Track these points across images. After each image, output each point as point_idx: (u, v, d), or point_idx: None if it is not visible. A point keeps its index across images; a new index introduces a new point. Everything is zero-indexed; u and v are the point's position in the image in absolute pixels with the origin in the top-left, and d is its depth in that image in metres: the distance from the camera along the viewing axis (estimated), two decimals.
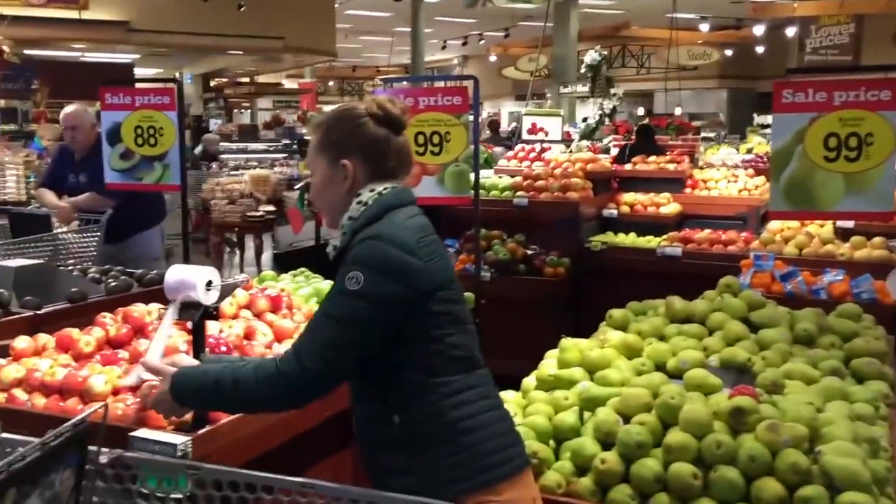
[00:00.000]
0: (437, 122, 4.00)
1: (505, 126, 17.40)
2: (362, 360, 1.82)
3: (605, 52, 14.03)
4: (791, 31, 15.15)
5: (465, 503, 1.76)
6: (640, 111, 24.13)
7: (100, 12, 14.11)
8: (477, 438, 1.79)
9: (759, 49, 19.71)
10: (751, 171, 7.55)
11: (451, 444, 1.78)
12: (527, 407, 2.42)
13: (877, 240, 5.23)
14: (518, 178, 6.51)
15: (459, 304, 1.89)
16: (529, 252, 5.93)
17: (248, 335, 2.91)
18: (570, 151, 7.65)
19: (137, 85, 5.35)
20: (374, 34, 25.21)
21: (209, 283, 2.21)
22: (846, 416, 2.21)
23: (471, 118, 4.12)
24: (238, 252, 10.51)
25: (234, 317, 3.05)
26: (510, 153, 7.96)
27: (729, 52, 21.60)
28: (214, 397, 1.91)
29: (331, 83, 34.38)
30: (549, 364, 2.68)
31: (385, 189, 1.90)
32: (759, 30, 17.89)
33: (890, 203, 3.45)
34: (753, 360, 2.62)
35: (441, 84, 4.60)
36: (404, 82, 4.14)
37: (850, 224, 5.64)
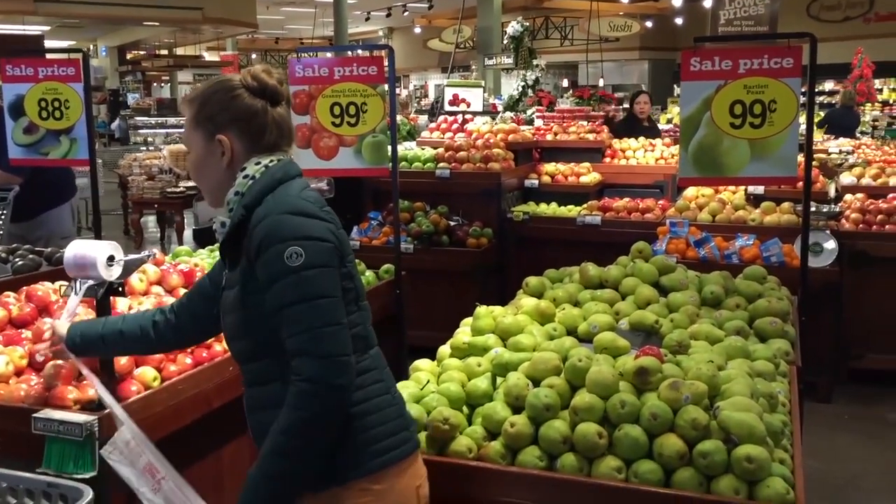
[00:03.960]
0: (352, 93, 3.96)
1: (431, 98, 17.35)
2: (262, 339, 1.76)
3: (528, 24, 14.07)
4: (708, 2, 15.45)
5: (344, 492, 1.72)
6: (565, 83, 24.35)
7: None
8: (367, 423, 1.74)
9: (678, 21, 20.04)
10: (668, 140, 7.71)
11: (341, 430, 1.71)
12: (441, 374, 2.44)
13: (785, 205, 5.42)
14: (440, 150, 6.51)
15: (356, 280, 1.84)
16: (452, 223, 5.95)
17: None
18: (494, 123, 7.67)
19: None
20: (296, 5, 24.74)
21: (111, 259, 2.15)
22: (746, 373, 2.30)
23: (387, 88, 4.09)
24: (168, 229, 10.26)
25: (145, 293, 2.99)
26: (433, 124, 7.94)
27: (649, 24, 21.90)
28: (288, 472, 1.68)
29: (253, 55, 33.66)
30: (463, 332, 2.70)
31: (271, 161, 1.81)
32: (676, 2, 18.19)
33: (793, 168, 3.57)
34: (661, 323, 2.69)
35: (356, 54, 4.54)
36: (319, 52, 4.07)
37: (760, 190, 5.83)
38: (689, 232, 4.98)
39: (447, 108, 8.50)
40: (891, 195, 5.64)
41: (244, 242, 1.76)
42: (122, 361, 2.44)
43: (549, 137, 7.54)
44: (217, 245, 4.13)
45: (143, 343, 2.07)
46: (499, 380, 2.35)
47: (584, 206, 6.29)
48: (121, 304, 2.76)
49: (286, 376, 1.70)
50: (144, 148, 12.68)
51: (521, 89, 11.88)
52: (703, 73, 3.51)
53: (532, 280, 3.12)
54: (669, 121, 11.98)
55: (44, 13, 14.42)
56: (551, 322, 2.73)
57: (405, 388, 2.28)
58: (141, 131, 16.57)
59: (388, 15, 23.54)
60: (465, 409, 2.30)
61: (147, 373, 2.50)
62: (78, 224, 6.28)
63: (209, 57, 28.65)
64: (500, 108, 10.86)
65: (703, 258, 4.75)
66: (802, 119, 3.63)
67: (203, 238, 6.51)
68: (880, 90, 15.83)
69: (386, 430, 1.77)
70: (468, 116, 8.25)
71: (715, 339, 2.61)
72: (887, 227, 5.30)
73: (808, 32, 3.55)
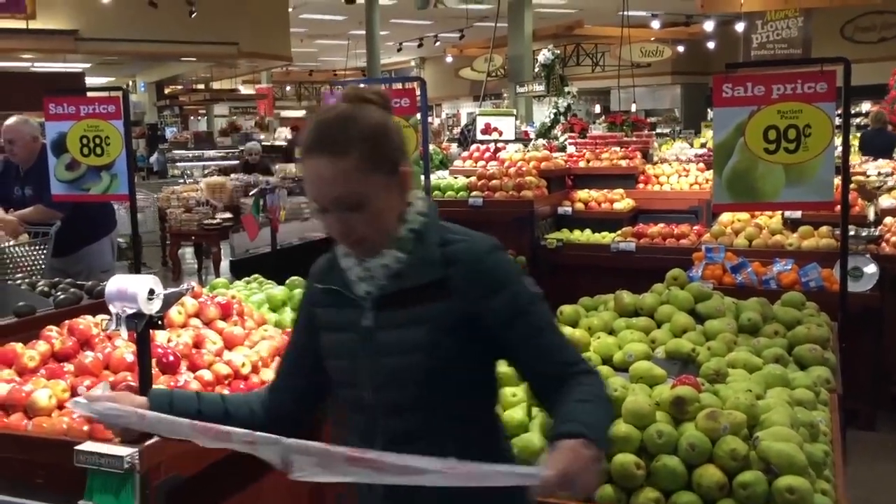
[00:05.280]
0: None
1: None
2: (453, 381, 1.62)
3: (559, 52, 14.14)
4: (740, 27, 15.41)
5: None
6: (597, 109, 24.37)
7: (48, 21, 13.87)
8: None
9: (710, 45, 20.00)
10: (701, 165, 7.67)
11: None
12: None
13: (823, 229, 5.35)
14: (473, 178, 6.55)
15: None
16: None
17: (198, 343, 2.89)
18: (527, 150, 7.70)
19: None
20: (329, 38, 25.13)
21: (151, 292, 2.19)
22: (786, 401, 2.26)
23: (419, 119, 4.13)
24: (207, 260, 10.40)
25: (183, 325, 3.03)
26: (465, 153, 7.99)
27: (681, 49, 21.88)
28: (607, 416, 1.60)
29: (288, 88, 34.17)
30: (498, 362, 2.70)
31: (419, 192, 1.72)
32: (708, 26, 18.15)
33: (830, 193, 3.53)
34: (698, 351, 2.66)
35: (389, 86, 4.60)
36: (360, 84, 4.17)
37: (797, 214, 5.77)
38: (726, 258, 4.93)
39: (479, 136, 8.55)
40: None
41: (441, 281, 1.59)
42: None
43: (582, 164, 7.54)
44: (253, 276, 4.19)
45: (253, 425, 1.70)
46: (534, 410, 2.34)
47: (618, 232, 6.27)
48: (160, 337, 2.80)
49: (462, 426, 1.63)
50: (182, 180, 12.90)
51: (552, 116, 11.92)
52: (735, 100, 3.51)
53: (566, 308, 3.11)
54: (703, 145, 11.91)
55: (84, 51, 14.79)
56: (587, 351, 2.72)
57: None
58: (179, 164, 16.87)
59: (420, 45, 23.81)
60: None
61: None
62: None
63: (245, 90, 29.16)
64: (532, 136, 10.90)
65: (741, 284, 4.70)
66: (838, 142, 3.60)
67: (240, 269, 6.58)
68: None
69: None
70: (500, 145, 8.29)
71: (753, 368, 2.58)
72: None
73: (842, 57, 3.53)
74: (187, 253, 11.57)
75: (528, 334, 1.61)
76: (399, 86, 4.34)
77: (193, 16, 13.73)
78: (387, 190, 1.58)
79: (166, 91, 25.38)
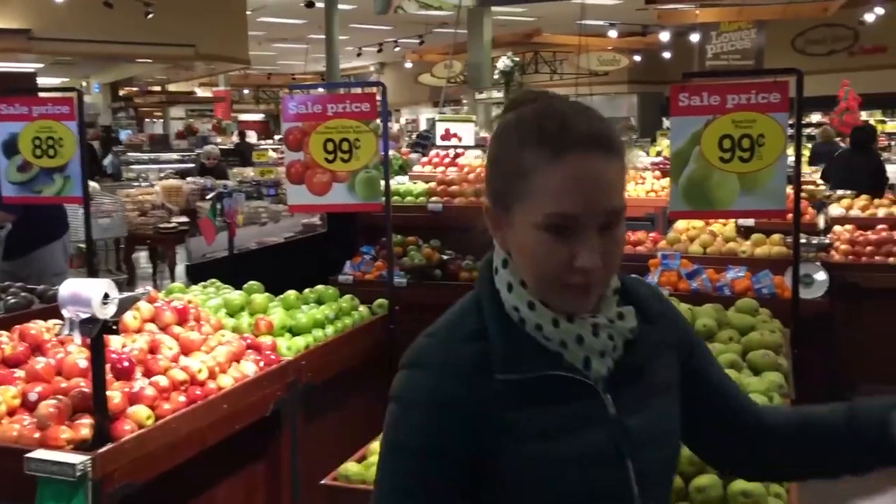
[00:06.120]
0: (345, 129, 4.00)
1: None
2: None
3: (518, 59, 14.23)
4: (695, 38, 15.67)
5: None
6: None
7: (0, 20, 13.58)
8: None
9: (666, 55, 20.30)
10: (658, 173, 7.78)
11: None
12: None
13: (775, 237, 5.46)
14: (433, 184, 6.55)
15: None
16: (445, 257, 5.96)
17: (153, 349, 2.85)
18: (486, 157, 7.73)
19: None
20: (288, 41, 24.97)
21: (106, 297, 2.16)
22: None
23: (379, 124, 4.13)
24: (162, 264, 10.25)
25: (138, 331, 2.98)
26: (424, 159, 8.00)
27: (638, 58, 22.17)
28: None
29: (245, 91, 33.89)
30: None
31: None
32: (664, 36, 18.42)
33: (783, 201, 3.60)
34: None
35: (349, 91, 4.59)
36: (312, 89, 4.14)
37: (750, 222, 5.87)
38: (681, 264, 5.00)
39: (439, 142, 8.56)
40: (879, 226, 5.69)
41: (658, 338, 1.26)
42: (116, 400, 2.43)
43: None
44: (210, 281, 4.14)
45: None
46: None
47: None
48: (114, 342, 2.76)
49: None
50: (137, 184, 12.70)
51: None
52: (691, 109, 3.56)
53: None
54: (659, 153, 12.08)
55: (38, 51, 14.49)
56: None
57: None
58: (133, 167, 16.61)
59: (380, 51, 23.76)
60: None
61: (140, 411, 2.49)
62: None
63: (202, 93, 28.84)
64: None
65: (695, 290, 4.77)
66: (791, 151, 3.68)
67: (196, 274, 6.51)
68: (866, 122, 16.03)
69: None
70: (460, 151, 8.31)
71: None
72: (876, 258, 5.34)
73: (794, 68, 3.61)
74: (142, 258, 11.39)
75: (719, 376, 1.35)
76: (358, 90, 4.33)
77: (149, 17, 13.53)
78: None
79: (121, 93, 25.00)
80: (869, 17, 13.93)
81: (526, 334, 1.16)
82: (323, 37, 19.90)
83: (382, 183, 4.09)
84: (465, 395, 1.12)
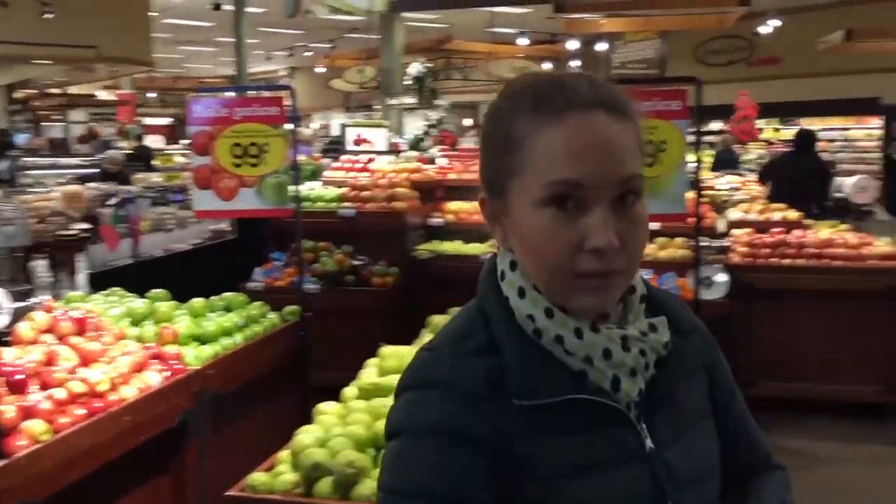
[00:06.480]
0: (254, 133, 3.93)
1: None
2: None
3: (431, 65, 14.29)
4: (602, 47, 16.05)
5: None
6: (470, 122, 24.76)
7: None
8: None
9: (576, 63, 20.71)
10: None
11: None
12: (347, 416, 2.42)
13: (678, 240, 5.64)
14: (345, 189, 6.51)
15: None
16: (357, 262, 5.93)
17: (50, 361, 2.74)
18: (398, 162, 7.73)
19: None
20: (196, 44, 24.43)
21: None
22: None
23: (289, 128, 4.08)
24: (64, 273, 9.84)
25: (33, 342, 2.86)
26: (336, 164, 7.94)
27: (547, 66, 22.56)
28: None
29: (151, 94, 32.96)
30: (369, 372, 2.69)
31: None
32: (572, 45, 18.81)
33: (682, 205, 3.72)
34: None
35: (258, 94, 4.52)
36: (219, 93, 4.06)
37: (656, 226, 6.05)
38: None
39: (350, 147, 8.51)
40: (774, 229, 5.94)
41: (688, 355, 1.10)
42: (9, 415, 2.32)
43: (453, 176, 7.63)
44: (112, 289, 4.00)
45: None
46: None
47: (488, 242, 6.38)
48: (7, 355, 2.63)
49: None
50: (33, 189, 12.19)
51: (425, 129, 12.01)
52: None
53: (436, 318, 3.14)
54: None
55: None
56: None
57: (309, 433, 2.24)
58: (30, 172, 15.93)
59: (291, 55, 23.47)
60: (371, 451, 2.28)
61: (36, 426, 2.38)
62: None
63: (105, 96, 27.89)
64: (404, 148, 10.95)
65: None
66: (692, 157, 3.81)
67: (98, 282, 6.29)
68: (762, 130, 16.71)
69: None
70: (372, 156, 8.28)
71: None
72: (771, 260, 5.57)
73: (694, 77, 3.74)
74: (40, 266, 10.92)
75: (739, 416, 1.18)
76: (268, 94, 4.26)
77: (46, 16, 13.02)
78: None
79: (18, 95, 23.96)
80: (763, 30, 14.55)
81: (543, 349, 0.98)
82: (232, 40, 19.56)
83: (292, 188, 4.04)
84: (482, 422, 0.94)
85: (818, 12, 14.98)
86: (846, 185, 8.73)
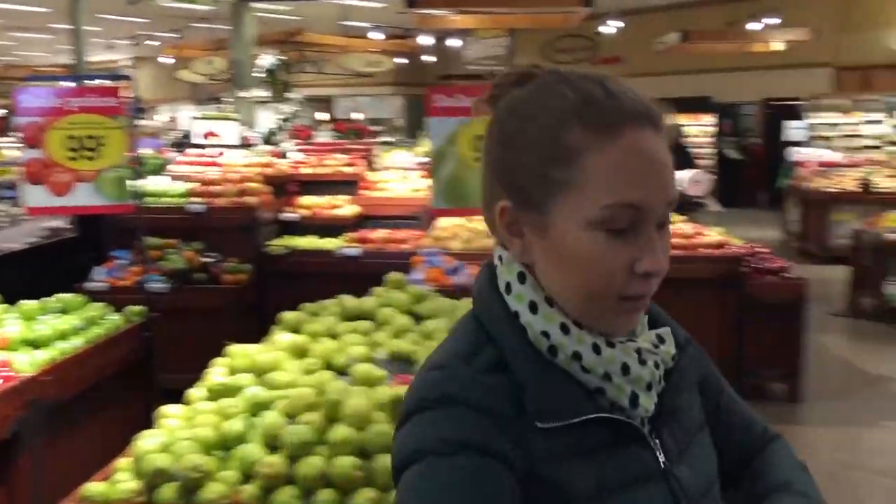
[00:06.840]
0: (90, 125, 3.72)
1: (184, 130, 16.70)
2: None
3: (285, 57, 14.02)
4: (454, 43, 16.27)
5: None
6: (326, 116, 24.51)
7: None
8: None
9: (431, 58, 20.90)
10: (424, 172, 7.97)
11: None
12: (192, 419, 2.34)
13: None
14: (195, 185, 6.28)
15: None
16: (208, 260, 5.74)
17: None
18: (250, 156, 7.54)
19: None
20: (30, 30, 22.89)
21: None
22: None
23: (129, 120, 3.89)
24: None
25: None
26: (182, 158, 7.65)
27: (402, 61, 22.64)
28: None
29: None
30: (216, 372, 2.61)
31: None
32: (424, 40, 18.96)
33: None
34: (418, 351, 2.76)
35: (96, 83, 4.29)
36: (50, 81, 3.82)
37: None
38: (445, 260, 5.17)
39: (199, 140, 8.22)
40: None
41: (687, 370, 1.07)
42: None
43: (307, 171, 7.53)
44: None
45: None
46: (256, 420, 2.29)
47: (343, 237, 6.34)
48: None
49: None
50: None
51: (279, 123, 11.78)
52: (448, 110, 3.69)
53: (286, 315, 3.09)
54: (425, 153, 12.41)
55: None
56: (308, 357, 2.72)
57: (151, 437, 2.16)
58: None
59: (137, 44, 22.42)
60: (220, 453, 2.21)
61: None
62: None
63: None
64: (256, 142, 10.69)
65: (458, 286, 4.95)
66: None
67: None
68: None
69: None
70: (222, 150, 8.03)
71: None
72: None
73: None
74: None
75: (730, 405, 1.17)
76: (104, 83, 4.05)
77: None
78: None
79: None
80: (604, 30, 15.19)
81: (560, 368, 0.93)
82: (70, 27, 18.48)
83: (134, 182, 3.86)
84: (508, 442, 0.89)
85: (656, 14, 15.80)
86: (681, 178, 9.25)
